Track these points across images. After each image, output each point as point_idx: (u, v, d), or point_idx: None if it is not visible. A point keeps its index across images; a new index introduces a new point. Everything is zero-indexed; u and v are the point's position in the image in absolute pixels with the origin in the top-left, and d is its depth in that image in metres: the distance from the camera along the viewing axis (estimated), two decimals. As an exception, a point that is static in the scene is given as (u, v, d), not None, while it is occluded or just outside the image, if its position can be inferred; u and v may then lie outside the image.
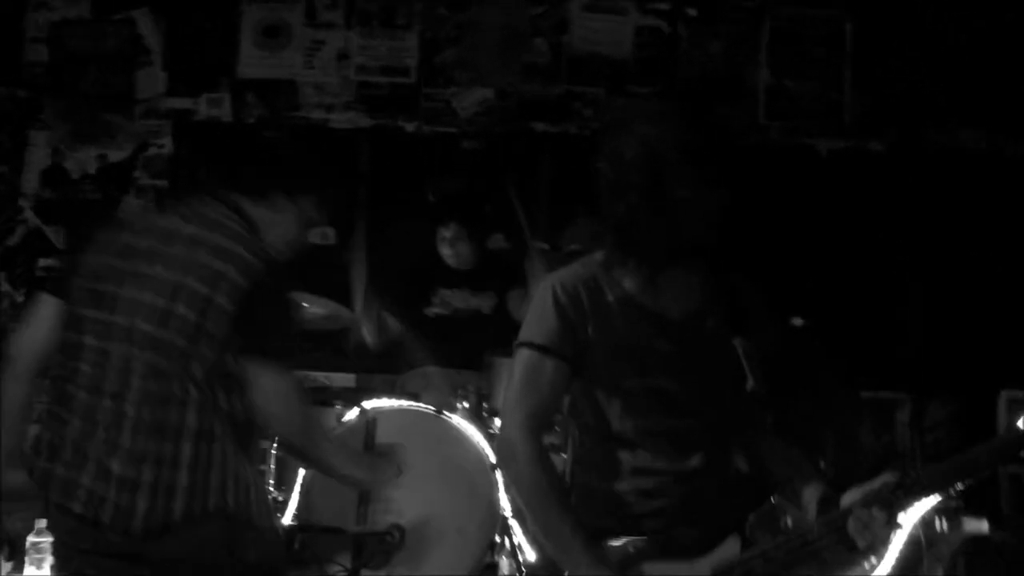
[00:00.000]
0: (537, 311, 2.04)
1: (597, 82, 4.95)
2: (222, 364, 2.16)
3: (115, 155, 4.95)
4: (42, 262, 4.85)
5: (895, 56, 4.87)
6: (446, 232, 4.36)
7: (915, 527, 3.28)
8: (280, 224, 2.39)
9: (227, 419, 2.19)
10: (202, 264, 2.17)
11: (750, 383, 2.01)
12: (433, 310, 4.33)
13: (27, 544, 3.57)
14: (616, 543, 1.98)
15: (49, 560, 3.57)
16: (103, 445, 2.14)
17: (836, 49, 4.93)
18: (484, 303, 4.35)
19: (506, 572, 3.35)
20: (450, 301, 4.34)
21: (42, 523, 3.53)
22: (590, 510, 2.04)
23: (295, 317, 2.41)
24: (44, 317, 2.28)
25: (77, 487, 2.13)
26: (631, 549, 1.97)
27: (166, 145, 4.96)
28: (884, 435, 2.77)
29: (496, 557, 3.38)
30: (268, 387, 2.19)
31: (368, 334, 4.30)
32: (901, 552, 3.35)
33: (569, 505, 2.00)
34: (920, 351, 4.58)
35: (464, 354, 4.04)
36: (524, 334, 2.05)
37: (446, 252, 4.37)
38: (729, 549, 1.98)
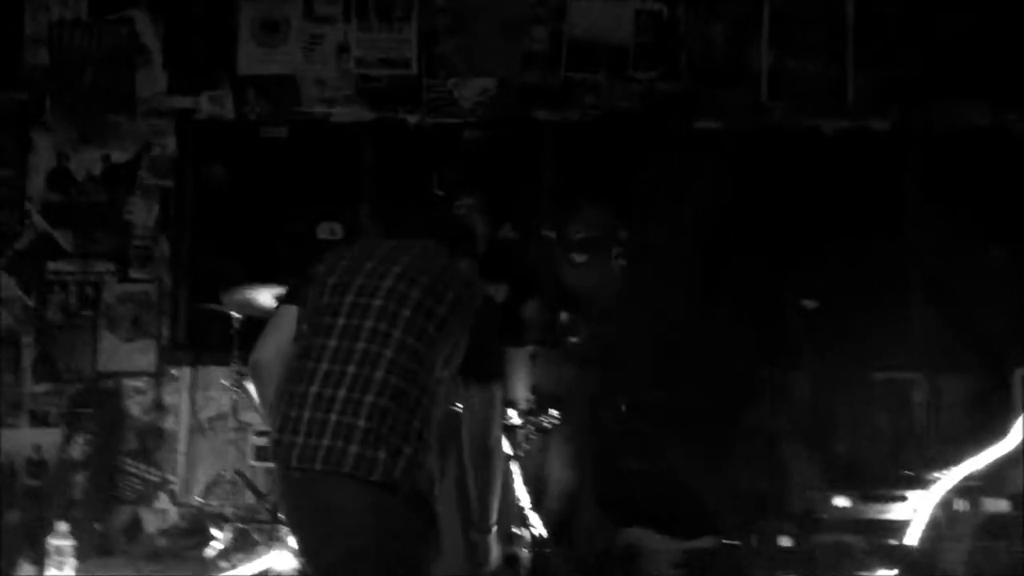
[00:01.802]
0: None
1: (598, 68, 4.94)
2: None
3: (119, 156, 4.95)
4: (51, 265, 4.85)
5: (897, 33, 4.85)
6: (468, 200, 4.32)
7: (935, 508, 3.31)
8: None
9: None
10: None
11: None
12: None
13: (49, 547, 3.61)
14: None
15: (72, 562, 3.62)
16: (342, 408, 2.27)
17: (837, 28, 4.92)
18: (496, 293, 4.34)
19: (527, 564, 3.38)
20: None
21: (63, 526, 3.57)
22: None
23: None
24: (287, 323, 2.45)
25: (317, 448, 2.24)
26: None
27: (169, 144, 4.96)
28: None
29: (515, 549, 3.41)
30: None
31: None
32: (922, 533, 3.39)
33: None
34: (934, 331, 4.59)
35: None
36: None
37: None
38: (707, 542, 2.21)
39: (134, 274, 4.87)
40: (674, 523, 2.56)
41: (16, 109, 4.92)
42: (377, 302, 2.33)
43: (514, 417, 3.75)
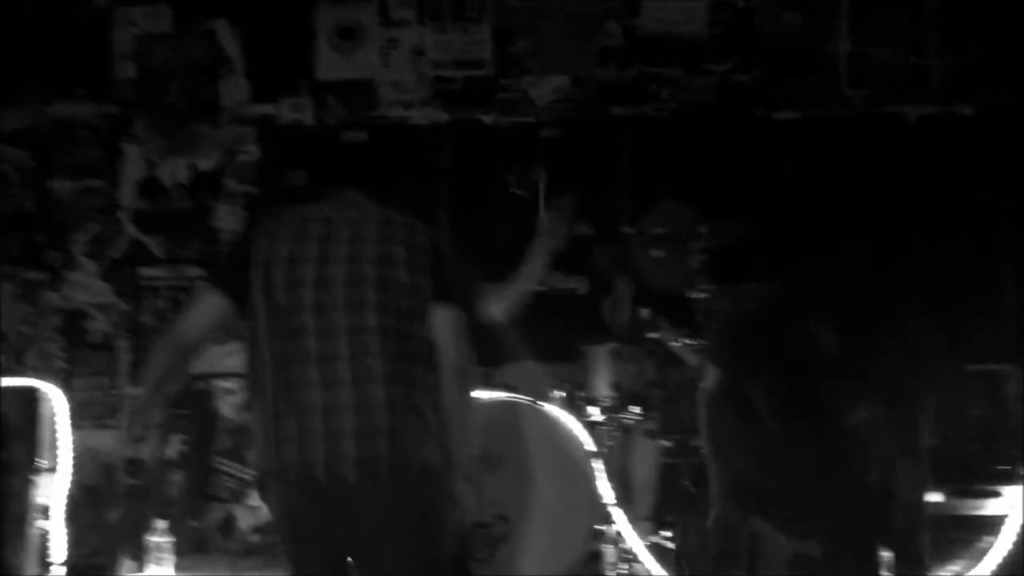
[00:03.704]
0: None
1: (673, 62, 4.91)
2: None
3: (204, 164, 5.06)
4: (144, 272, 5.01)
5: (979, 16, 4.72)
6: (566, 200, 4.34)
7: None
8: None
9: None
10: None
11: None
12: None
13: (149, 544, 3.74)
14: None
15: (172, 559, 3.74)
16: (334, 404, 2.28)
17: (918, 13, 4.80)
18: (577, 285, 4.36)
19: (610, 559, 3.39)
20: (546, 278, 4.35)
21: (163, 524, 3.69)
22: None
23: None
24: (210, 309, 2.44)
25: (342, 459, 2.25)
26: None
27: (252, 151, 5.07)
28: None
29: (599, 545, 3.42)
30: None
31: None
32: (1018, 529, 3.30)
33: None
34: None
35: (557, 342, 4.07)
36: None
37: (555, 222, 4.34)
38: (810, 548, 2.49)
39: (222, 278, 4.99)
40: (786, 521, 2.54)
41: (107, 122, 5.08)
42: (339, 295, 2.30)
43: (596, 414, 3.76)
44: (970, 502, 3.61)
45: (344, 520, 2.27)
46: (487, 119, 4.98)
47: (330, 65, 5.05)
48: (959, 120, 4.75)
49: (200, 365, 4.90)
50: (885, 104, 4.80)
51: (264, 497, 2.38)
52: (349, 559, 2.37)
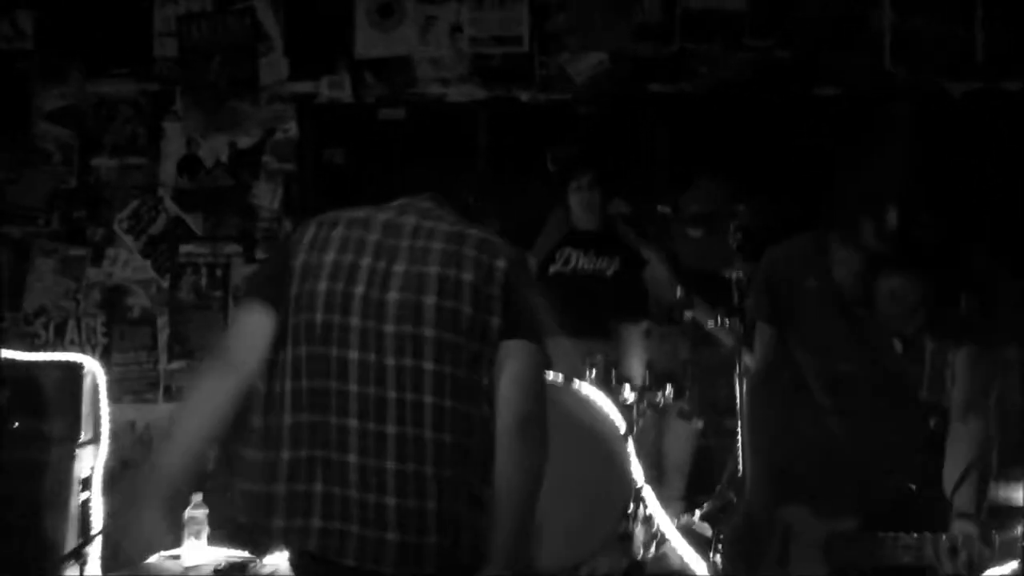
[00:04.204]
0: (755, 286, 2.69)
1: (712, 38, 4.84)
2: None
3: (244, 141, 5.09)
4: (183, 248, 5.06)
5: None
6: (583, 179, 4.33)
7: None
8: None
9: None
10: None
11: (923, 392, 2.29)
12: (554, 267, 4.33)
13: (185, 517, 3.79)
14: None
15: (207, 530, 3.78)
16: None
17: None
18: (607, 267, 4.32)
19: (641, 540, 3.37)
20: (572, 260, 4.33)
21: (198, 497, 3.73)
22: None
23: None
24: (257, 327, 1.96)
25: (382, 544, 1.79)
26: None
27: (291, 129, 5.09)
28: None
29: (630, 526, 3.40)
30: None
31: None
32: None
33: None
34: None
35: (585, 320, 4.05)
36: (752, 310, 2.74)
37: (577, 203, 4.33)
38: (849, 524, 2.29)
39: (260, 255, 5.01)
40: (822, 500, 2.49)
41: (148, 100, 5.13)
42: (389, 327, 1.83)
43: (629, 394, 3.74)
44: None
45: None
46: (524, 96, 4.95)
47: (368, 42, 5.05)
48: (1006, 95, 4.63)
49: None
50: (929, 79, 4.69)
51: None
52: None
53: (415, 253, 1.91)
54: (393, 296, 1.86)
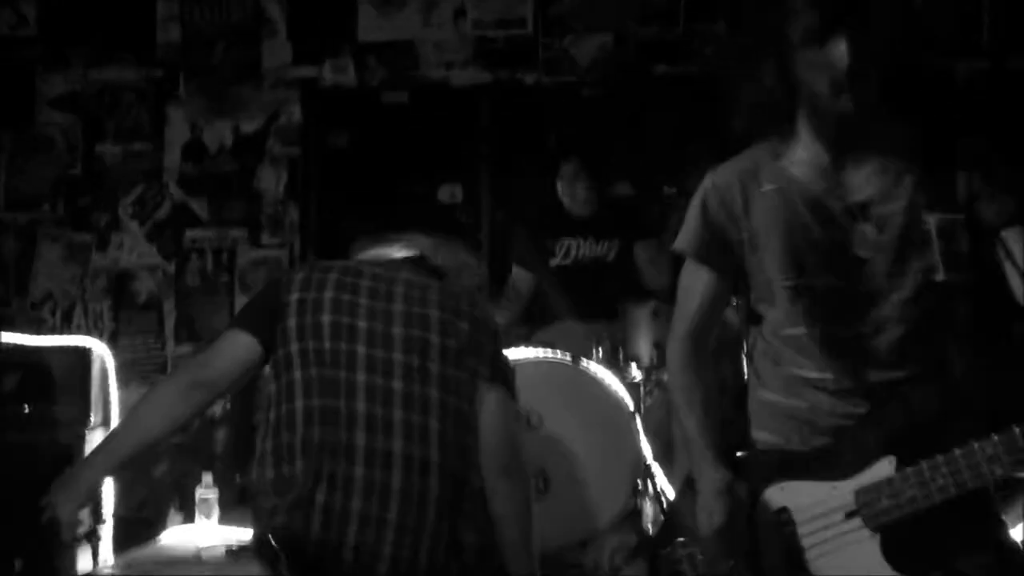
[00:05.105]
0: (688, 215, 1.96)
1: (717, 19, 4.83)
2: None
3: (248, 126, 5.10)
4: (188, 233, 5.07)
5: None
6: (567, 167, 4.32)
7: None
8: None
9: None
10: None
11: (939, 273, 1.76)
12: (555, 260, 4.33)
13: (197, 498, 3.80)
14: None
15: (216, 511, 3.80)
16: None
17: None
18: (607, 251, 4.32)
19: (649, 516, 3.39)
20: (572, 250, 4.33)
21: (208, 478, 3.75)
22: (762, 423, 1.92)
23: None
24: (236, 351, 2.13)
25: (377, 556, 1.91)
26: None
27: (295, 113, 5.09)
28: None
29: (639, 502, 3.42)
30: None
31: (511, 290, 4.35)
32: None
33: (709, 420, 1.92)
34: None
35: (592, 304, 4.05)
36: (676, 241, 1.99)
37: (566, 191, 4.32)
38: (881, 470, 1.76)
39: (265, 240, 5.04)
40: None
41: (152, 86, 5.13)
42: (398, 356, 2.00)
43: (636, 373, 3.75)
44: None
45: None
46: (528, 79, 4.95)
47: (372, 26, 5.04)
48: (1013, 75, 4.62)
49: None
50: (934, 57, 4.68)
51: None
52: None
53: (411, 298, 2.09)
54: (398, 331, 2.03)
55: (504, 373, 2.10)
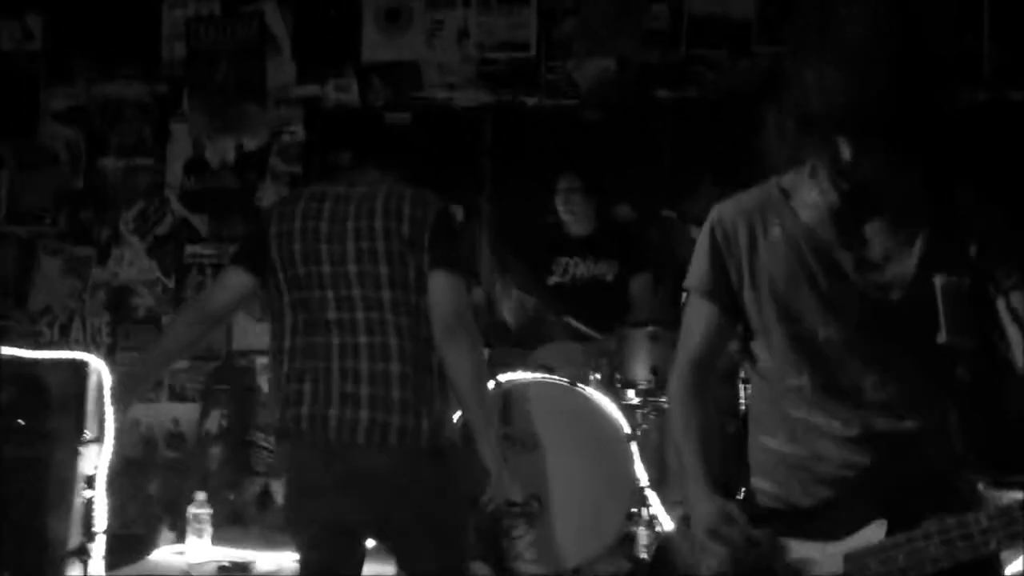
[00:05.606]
0: (696, 251, 1.97)
1: (719, 44, 4.85)
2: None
3: (251, 143, 5.12)
4: (189, 249, 5.08)
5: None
6: (563, 182, 4.34)
7: None
8: None
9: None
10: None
11: (942, 335, 1.72)
12: (553, 279, 4.34)
13: (189, 516, 3.80)
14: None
15: (209, 530, 3.79)
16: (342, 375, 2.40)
17: (971, -4, 4.69)
18: (606, 271, 4.33)
19: (644, 542, 3.37)
20: (570, 269, 4.34)
21: (202, 496, 3.74)
22: (762, 471, 1.89)
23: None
24: (234, 283, 2.59)
25: (356, 421, 2.36)
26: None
27: (298, 132, 5.11)
28: None
29: (633, 527, 3.40)
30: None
31: (508, 312, 4.35)
32: None
33: (706, 453, 1.88)
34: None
35: (590, 325, 4.05)
36: (687, 278, 1.98)
37: (562, 207, 4.34)
38: (871, 535, 1.71)
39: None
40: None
41: (155, 101, 5.15)
42: (352, 268, 2.40)
43: (633, 397, 3.74)
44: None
45: (354, 484, 2.33)
46: (530, 101, 4.96)
47: (376, 47, 5.07)
48: (1015, 106, 4.62)
49: (241, 341, 5.01)
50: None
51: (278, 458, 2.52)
52: (369, 543, 2.45)
53: (360, 213, 2.45)
54: (351, 246, 2.42)
55: (445, 253, 2.40)
